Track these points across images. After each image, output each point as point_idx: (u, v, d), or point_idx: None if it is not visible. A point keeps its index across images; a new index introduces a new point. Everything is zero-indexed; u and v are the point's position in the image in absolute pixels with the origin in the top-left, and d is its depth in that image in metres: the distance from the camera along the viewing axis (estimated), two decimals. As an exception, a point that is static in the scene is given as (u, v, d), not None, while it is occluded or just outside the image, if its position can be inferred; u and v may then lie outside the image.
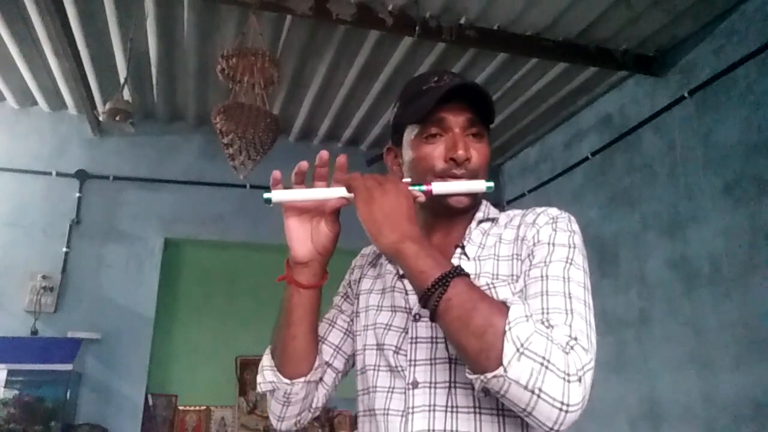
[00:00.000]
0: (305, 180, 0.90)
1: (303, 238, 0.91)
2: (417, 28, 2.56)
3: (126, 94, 2.90)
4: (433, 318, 0.76)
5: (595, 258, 3.26)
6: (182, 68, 3.10)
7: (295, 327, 0.93)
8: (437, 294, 0.74)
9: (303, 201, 0.89)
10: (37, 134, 3.51)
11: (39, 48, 2.89)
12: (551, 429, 0.70)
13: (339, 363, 1.03)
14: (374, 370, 0.93)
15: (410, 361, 0.88)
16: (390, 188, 0.84)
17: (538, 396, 0.68)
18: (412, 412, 0.85)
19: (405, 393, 0.87)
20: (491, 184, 0.90)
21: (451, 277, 0.74)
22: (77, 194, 3.44)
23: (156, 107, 3.56)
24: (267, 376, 0.96)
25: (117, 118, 2.67)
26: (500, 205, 4.21)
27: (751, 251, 2.34)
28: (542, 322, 0.75)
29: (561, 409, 0.69)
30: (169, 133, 3.72)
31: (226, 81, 2.38)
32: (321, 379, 1.01)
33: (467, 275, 0.76)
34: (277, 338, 0.96)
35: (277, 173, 0.89)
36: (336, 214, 0.91)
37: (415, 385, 0.87)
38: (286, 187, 0.89)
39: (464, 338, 0.72)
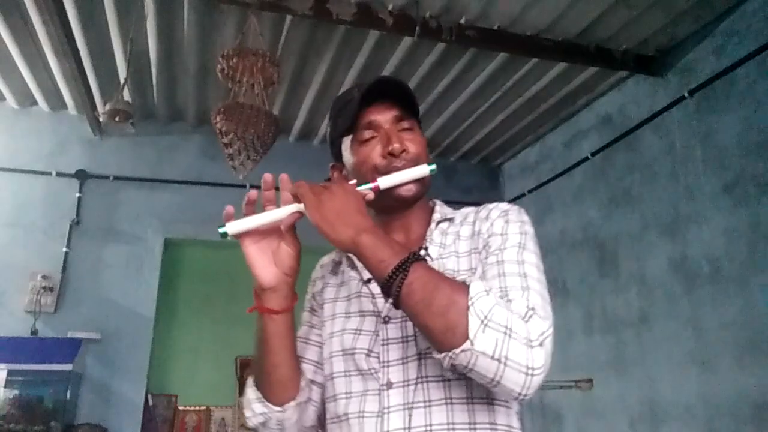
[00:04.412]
0: (255, 209, 0.90)
1: (266, 264, 0.90)
2: (417, 28, 2.56)
3: (126, 95, 2.90)
4: (396, 304, 0.78)
5: (595, 258, 3.26)
6: (182, 68, 3.10)
7: (276, 355, 0.93)
8: (399, 280, 0.76)
9: (259, 226, 0.89)
10: (37, 134, 3.51)
11: (39, 48, 2.89)
12: (519, 394, 0.74)
13: (321, 377, 1.02)
14: (345, 376, 0.94)
15: (383, 362, 0.90)
16: (336, 189, 0.86)
17: (505, 364, 0.72)
18: (388, 412, 0.87)
19: (380, 394, 0.89)
20: (434, 166, 0.94)
21: (410, 263, 0.77)
22: (77, 194, 3.44)
23: (156, 107, 3.56)
24: (256, 408, 0.95)
25: (117, 119, 2.67)
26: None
27: (751, 251, 2.34)
28: (501, 298, 0.79)
29: (527, 374, 0.72)
30: (169, 133, 3.72)
31: (226, 81, 2.38)
32: (309, 398, 1.00)
33: (424, 259, 0.80)
34: (259, 369, 0.95)
35: (230, 208, 0.89)
36: (294, 230, 0.91)
37: (389, 385, 0.88)
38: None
39: (429, 319, 0.75)
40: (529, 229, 0.92)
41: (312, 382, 1.01)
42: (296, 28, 2.74)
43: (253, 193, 0.88)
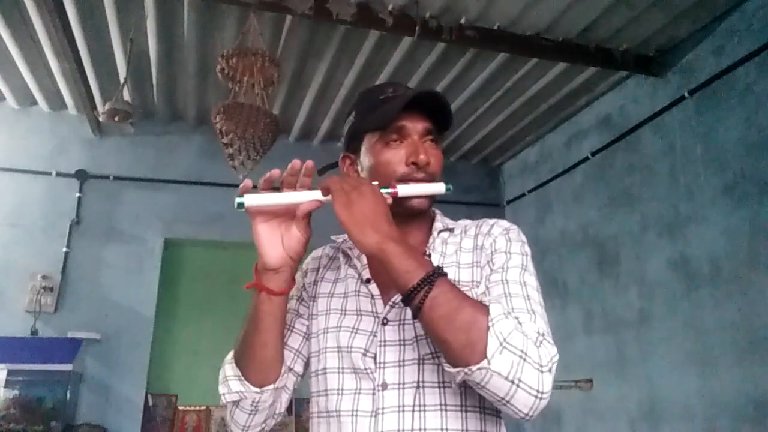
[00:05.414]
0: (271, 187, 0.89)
1: (274, 244, 0.91)
2: (417, 28, 2.56)
3: (126, 94, 2.90)
4: (416, 315, 0.79)
5: (595, 258, 3.26)
6: (182, 68, 3.10)
7: (266, 334, 0.93)
8: (423, 292, 0.77)
9: (276, 205, 0.88)
10: (37, 134, 3.51)
11: (39, 48, 2.89)
12: (527, 415, 0.77)
13: (299, 367, 1.03)
14: (338, 372, 0.95)
15: (380, 363, 0.91)
16: (366, 190, 0.85)
17: (518, 386, 0.75)
18: (383, 413, 0.88)
19: (374, 394, 0.90)
20: (450, 186, 0.96)
21: (436, 277, 0.78)
22: (77, 194, 3.44)
23: (156, 107, 3.56)
24: (233, 386, 0.94)
25: (116, 118, 2.67)
26: (500, 205, 4.21)
27: (751, 251, 2.34)
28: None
29: (537, 397, 0.76)
30: (169, 133, 3.72)
31: (226, 81, 2.38)
32: (285, 384, 1.01)
33: (446, 275, 0.81)
34: (245, 347, 0.95)
35: (248, 182, 0.88)
36: (308, 217, 0.91)
37: (384, 386, 0.90)
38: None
39: (449, 334, 0.77)
40: (528, 249, 0.96)
41: (290, 369, 1.01)
42: (296, 28, 2.74)
43: (276, 171, 0.88)
